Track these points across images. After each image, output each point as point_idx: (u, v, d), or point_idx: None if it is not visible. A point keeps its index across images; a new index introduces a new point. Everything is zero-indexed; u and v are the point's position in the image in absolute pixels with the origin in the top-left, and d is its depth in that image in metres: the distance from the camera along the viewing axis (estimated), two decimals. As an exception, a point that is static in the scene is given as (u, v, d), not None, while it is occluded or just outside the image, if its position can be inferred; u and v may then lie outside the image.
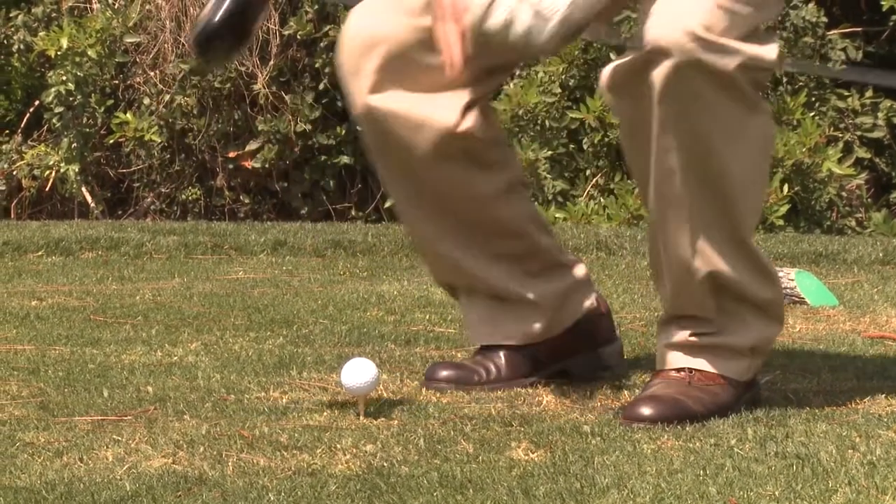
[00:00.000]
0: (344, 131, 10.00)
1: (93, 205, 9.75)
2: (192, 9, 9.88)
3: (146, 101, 9.97)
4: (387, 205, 9.60)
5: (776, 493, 2.15)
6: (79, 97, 9.87)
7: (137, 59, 10.04)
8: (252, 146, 9.97)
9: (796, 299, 5.27)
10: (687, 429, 2.76)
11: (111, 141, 9.94)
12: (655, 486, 2.23)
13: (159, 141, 9.78)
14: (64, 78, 9.57)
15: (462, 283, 3.37)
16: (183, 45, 10.01)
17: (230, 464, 2.46)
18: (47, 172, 9.52)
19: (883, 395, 3.26)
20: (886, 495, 2.10)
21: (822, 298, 5.32)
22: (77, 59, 9.71)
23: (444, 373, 3.18)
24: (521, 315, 3.29)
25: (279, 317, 4.49)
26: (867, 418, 2.83)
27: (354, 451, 2.53)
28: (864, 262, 6.55)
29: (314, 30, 9.81)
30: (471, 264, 3.28)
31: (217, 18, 3.41)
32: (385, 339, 3.80)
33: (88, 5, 9.90)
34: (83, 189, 9.74)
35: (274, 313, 4.61)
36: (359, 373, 2.96)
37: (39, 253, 6.27)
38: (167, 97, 9.96)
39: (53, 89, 9.73)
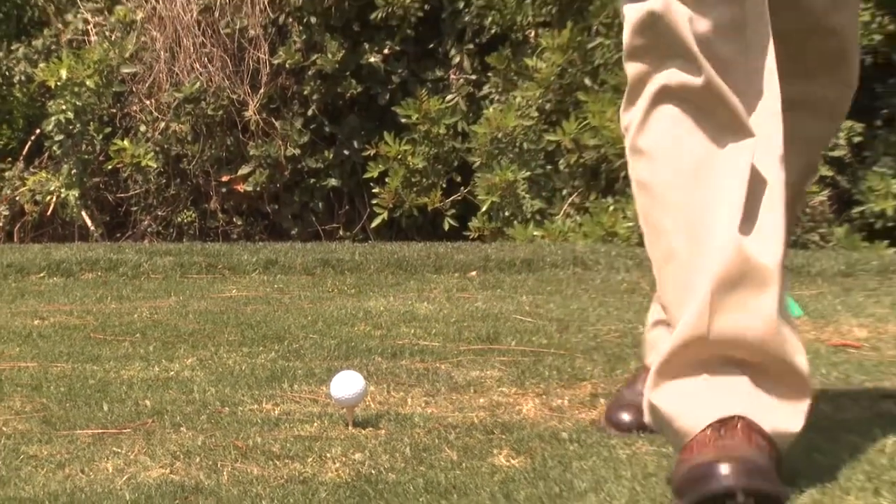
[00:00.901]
0: (331, 155, 10.19)
1: (92, 228, 9.81)
2: (184, 40, 9.99)
3: (142, 128, 10.15)
4: (373, 225, 9.82)
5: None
6: (78, 125, 10.08)
7: (134, 89, 10.21)
8: (244, 170, 10.17)
9: None
10: (661, 437, 2.68)
11: (109, 167, 10.09)
12: (631, 489, 2.24)
13: (155, 166, 9.95)
14: (63, 107, 9.64)
15: None
16: (177, 74, 10.21)
17: (225, 473, 2.47)
18: (48, 197, 9.58)
19: (847, 400, 3.26)
20: (850, 495, 2.11)
21: (788, 309, 5.19)
22: (76, 89, 9.84)
23: (628, 417, 2.90)
24: None
25: (271, 332, 4.50)
26: (832, 423, 2.80)
27: (344, 459, 2.55)
28: (827, 275, 6.52)
29: (302, 59, 9.77)
30: None
31: None
32: (372, 352, 3.77)
33: (87, 38, 10.04)
34: (83, 213, 9.88)
35: (266, 329, 4.62)
36: (348, 385, 2.96)
37: (41, 274, 6.30)
38: (162, 124, 10.15)
39: (53, 118, 9.88)
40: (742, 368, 2.33)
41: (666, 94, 2.48)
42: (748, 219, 2.40)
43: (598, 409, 3.13)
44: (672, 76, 2.46)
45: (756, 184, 2.43)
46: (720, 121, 2.50)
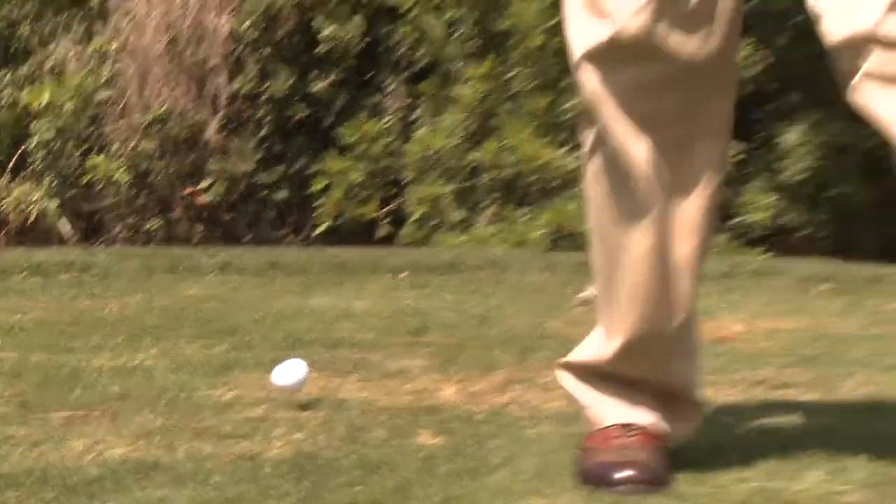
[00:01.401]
0: (282, 171, 10.05)
1: (69, 234, 9.77)
2: (153, 68, 9.93)
3: (115, 146, 9.93)
4: (317, 231, 9.69)
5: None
6: (58, 143, 9.76)
7: (108, 111, 10.00)
8: (204, 183, 9.99)
9: None
10: (564, 417, 2.77)
11: (85, 180, 9.87)
12: (537, 464, 2.28)
13: (126, 180, 9.67)
14: (46, 127, 9.59)
15: None
16: (146, 98, 10.04)
17: (181, 451, 2.46)
18: (31, 207, 9.53)
19: (728, 387, 3.33)
20: (725, 473, 2.17)
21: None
22: (57, 111, 9.59)
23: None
24: None
25: (225, 326, 4.47)
26: (712, 406, 2.80)
27: (287, 438, 2.55)
28: (710, 277, 6.34)
29: (256, 86, 9.82)
30: None
31: None
32: (314, 344, 3.80)
33: (66, 65, 9.89)
34: (62, 221, 9.73)
35: (220, 324, 4.59)
36: (292, 372, 2.99)
37: (23, 274, 6.15)
38: (133, 143, 9.91)
39: (37, 136, 9.73)
40: (645, 384, 2.37)
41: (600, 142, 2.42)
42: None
43: (509, 394, 3.14)
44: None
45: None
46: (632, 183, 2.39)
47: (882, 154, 9.23)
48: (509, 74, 9.59)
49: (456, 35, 9.88)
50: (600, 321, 2.46)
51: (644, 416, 2.34)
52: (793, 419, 2.91)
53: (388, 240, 9.61)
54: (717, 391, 3.22)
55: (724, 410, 3.00)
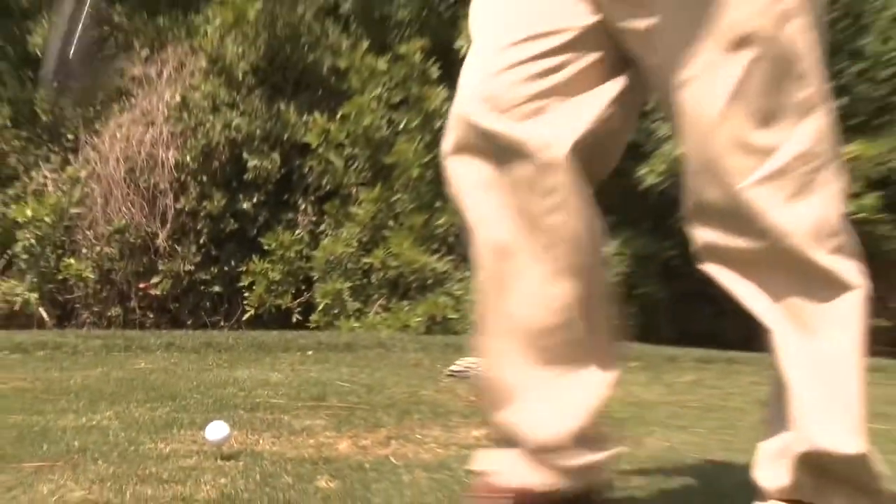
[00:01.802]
0: (216, 270, 10.09)
1: (47, 319, 9.69)
2: (114, 190, 9.90)
3: (84, 250, 9.94)
4: (244, 318, 9.77)
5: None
6: (38, 248, 9.75)
7: (78, 223, 10.00)
8: (155, 280, 10.01)
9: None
10: (433, 466, 2.74)
11: (60, 277, 9.86)
12: (411, 502, 2.26)
13: (93, 277, 9.76)
14: (28, 236, 9.53)
15: None
16: (109, 214, 9.95)
17: (128, 494, 2.35)
18: (16, 298, 9.46)
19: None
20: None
21: None
22: (38, 223, 9.71)
23: None
24: None
25: (167, 393, 4.27)
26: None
27: (213, 483, 2.47)
28: None
29: (197, 204, 9.83)
30: None
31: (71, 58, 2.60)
32: (237, 407, 3.73)
33: (46, 188, 9.90)
34: (40, 309, 9.69)
35: (164, 391, 4.38)
36: (219, 430, 2.87)
37: (5, 351, 6.07)
38: (98, 248, 9.97)
39: (21, 243, 9.70)
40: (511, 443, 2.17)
41: None
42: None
43: (391, 447, 3.08)
44: None
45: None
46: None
47: (676, 262, 9.48)
48: (394, 198, 9.78)
49: (353, 167, 9.99)
50: None
51: (510, 468, 2.20)
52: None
53: (299, 325, 9.61)
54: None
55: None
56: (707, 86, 1.85)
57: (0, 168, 9.95)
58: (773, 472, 1.91)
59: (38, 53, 9.74)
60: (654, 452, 3.21)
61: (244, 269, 9.88)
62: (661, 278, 10.32)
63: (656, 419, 4.10)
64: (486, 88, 1.95)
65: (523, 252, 1.96)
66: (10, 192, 10.03)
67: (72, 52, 2.49)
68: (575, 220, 1.92)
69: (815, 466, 1.87)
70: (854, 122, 9.67)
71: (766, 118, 1.85)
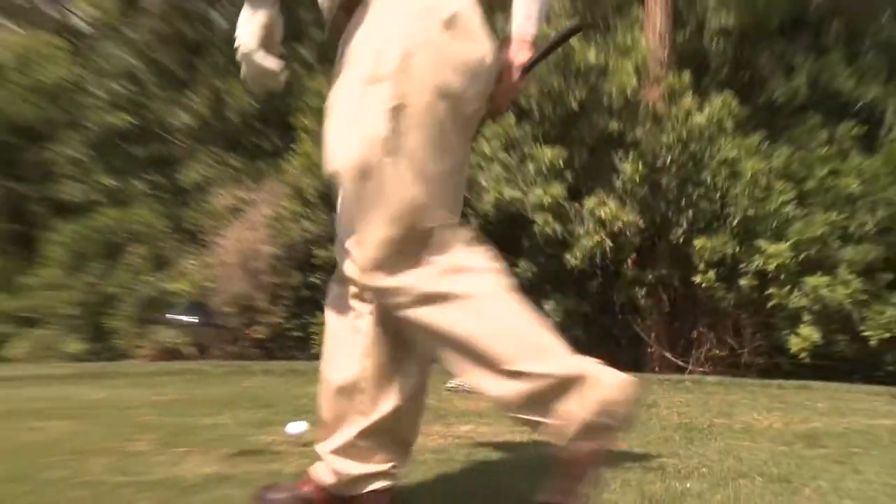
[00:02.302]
0: (296, 322, 11.15)
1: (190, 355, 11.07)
2: (232, 271, 11.16)
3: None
4: (313, 352, 10.30)
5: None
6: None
7: (209, 292, 11.25)
8: (257, 328, 11.17)
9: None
10: (436, 450, 3.25)
11: None
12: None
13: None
14: (179, 301, 10.54)
15: None
16: (229, 285, 11.16)
17: (240, 469, 2.88)
18: (172, 341, 10.77)
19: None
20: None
21: None
22: (184, 292, 10.81)
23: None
24: None
25: (265, 402, 4.81)
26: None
27: (296, 462, 2.96)
28: None
29: (284, 279, 11.07)
30: None
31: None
32: (311, 412, 3.40)
33: (188, 270, 11.56)
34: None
35: (263, 401, 4.90)
36: (298, 427, 3.37)
37: (165, 376, 6.82)
38: (222, 308, 11.11)
39: (177, 307, 9.22)
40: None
41: None
42: None
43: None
44: None
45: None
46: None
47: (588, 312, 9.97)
48: None
49: None
50: None
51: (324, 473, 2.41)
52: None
53: None
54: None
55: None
56: None
57: (161, 258, 10.90)
58: None
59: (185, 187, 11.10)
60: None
61: (314, 320, 10.74)
62: (582, 324, 10.66)
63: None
64: None
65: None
66: (167, 272, 11.64)
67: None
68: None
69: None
70: (701, 224, 10.37)
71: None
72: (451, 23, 2.21)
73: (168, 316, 3.43)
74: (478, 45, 2.29)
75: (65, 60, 13.23)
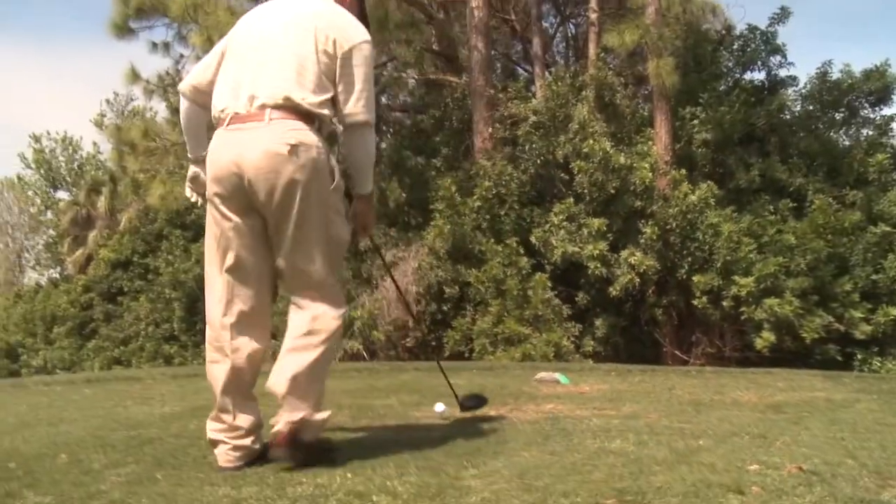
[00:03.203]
0: (435, 335, 11.48)
1: (365, 356, 11.15)
2: (391, 303, 11.68)
3: (379, 329, 11.59)
4: (446, 356, 10.52)
5: None
6: (361, 327, 11.32)
7: (375, 318, 11.70)
8: (409, 340, 11.59)
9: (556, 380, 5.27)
10: (530, 420, 3.34)
11: (371, 338, 11.26)
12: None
13: (382, 338, 11.30)
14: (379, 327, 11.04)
15: None
16: (388, 313, 11.54)
17: (405, 436, 3.03)
18: (353, 346, 11.17)
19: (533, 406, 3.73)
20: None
21: (565, 380, 5.27)
22: (369, 320, 11.25)
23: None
24: None
25: (416, 389, 4.85)
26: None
27: (439, 431, 3.10)
28: (586, 367, 6.76)
29: (424, 307, 11.60)
30: None
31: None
32: (450, 395, 3.75)
33: (364, 303, 11.84)
34: (363, 352, 11.24)
35: (413, 388, 4.95)
36: (440, 406, 3.62)
37: (340, 371, 6.44)
38: (385, 328, 11.70)
39: (357, 322, 11.24)
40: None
41: None
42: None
43: (512, 412, 3.58)
44: None
45: None
46: None
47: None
48: (506, 313, 10.86)
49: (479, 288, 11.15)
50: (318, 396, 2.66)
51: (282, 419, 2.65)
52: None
53: (468, 358, 10.29)
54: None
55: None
56: None
57: (347, 295, 10.34)
58: None
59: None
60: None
61: (445, 334, 11.36)
62: (620, 334, 11.71)
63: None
64: None
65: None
66: (352, 305, 11.34)
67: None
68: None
69: None
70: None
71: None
72: None
73: (462, 404, 3.61)
74: None
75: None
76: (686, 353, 11.88)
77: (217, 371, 2.68)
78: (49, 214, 34.91)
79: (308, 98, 2.58)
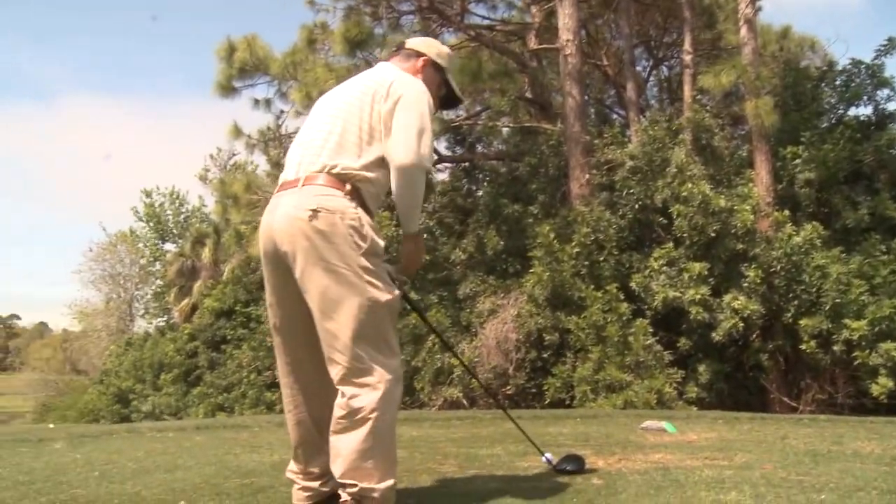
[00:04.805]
0: (534, 383, 11.42)
1: (465, 403, 10.96)
2: (490, 350, 11.50)
3: (480, 377, 11.16)
4: (546, 403, 10.49)
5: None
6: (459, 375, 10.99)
7: (476, 366, 11.40)
8: (509, 388, 11.32)
9: (663, 429, 5.27)
10: (638, 471, 3.24)
11: (471, 387, 11.09)
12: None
13: (459, 393, 11.04)
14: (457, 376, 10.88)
15: None
16: (488, 360, 11.33)
17: (470, 472, 3.07)
18: (453, 395, 11.17)
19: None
20: None
21: (671, 428, 5.23)
22: (460, 368, 10.90)
23: None
24: None
25: (515, 437, 4.59)
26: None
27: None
28: (691, 416, 6.51)
29: (523, 356, 11.52)
30: None
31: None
32: (561, 446, 3.97)
33: (464, 352, 11.68)
34: (462, 399, 11.02)
35: (507, 436, 4.91)
36: (549, 456, 3.49)
37: (442, 420, 6.57)
38: (485, 377, 11.29)
39: (457, 369, 11.10)
40: None
41: None
42: None
43: (620, 463, 3.50)
44: None
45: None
46: None
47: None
48: (606, 360, 10.78)
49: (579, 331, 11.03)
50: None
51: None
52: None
53: (568, 406, 10.20)
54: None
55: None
56: None
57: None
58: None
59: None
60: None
61: (545, 382, 11.29)
62: (724, 380, 11.42)
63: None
64: None
65: None
66: (449, 354, 11.46)
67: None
68: None
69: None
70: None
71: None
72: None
73: (558, 468, 3.47)
74: None
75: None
76: (795, 400, 11.48)
77: (288, 421, 2.90)
78: (157, 265, 36.31)
79: (344, 163, 2.70)
